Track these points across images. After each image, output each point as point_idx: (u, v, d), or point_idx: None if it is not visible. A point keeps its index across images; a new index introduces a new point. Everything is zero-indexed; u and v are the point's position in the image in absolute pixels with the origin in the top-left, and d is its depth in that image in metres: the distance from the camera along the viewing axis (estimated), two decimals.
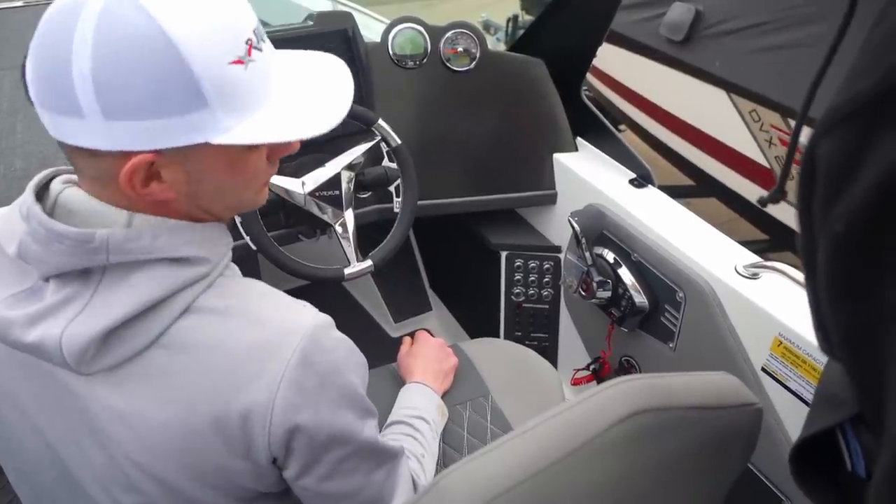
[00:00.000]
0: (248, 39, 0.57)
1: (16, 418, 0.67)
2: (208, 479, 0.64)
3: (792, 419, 1.07)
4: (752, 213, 2.72)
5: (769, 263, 1.15)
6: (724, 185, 2.67)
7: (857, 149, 0.33)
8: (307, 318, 0.63)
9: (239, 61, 0.56)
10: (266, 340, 0.60)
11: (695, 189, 2.93)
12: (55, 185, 0.61)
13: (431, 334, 1.90)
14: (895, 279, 0.31)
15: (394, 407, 1.03)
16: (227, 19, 0.56)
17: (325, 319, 0.64)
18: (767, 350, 1.08)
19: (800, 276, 1.11)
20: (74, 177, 0.63)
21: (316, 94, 0.65)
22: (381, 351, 1.89)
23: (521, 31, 4.15)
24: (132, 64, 0.52)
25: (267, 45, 0.61)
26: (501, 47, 3.79)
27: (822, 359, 1.00)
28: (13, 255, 0.60)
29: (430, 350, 1.19)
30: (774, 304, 1.08)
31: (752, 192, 2.56)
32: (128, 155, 0.56)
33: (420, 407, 1.02)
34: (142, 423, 0.61)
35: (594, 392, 0.55)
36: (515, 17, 4.15)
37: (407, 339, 1.26)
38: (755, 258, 1.19)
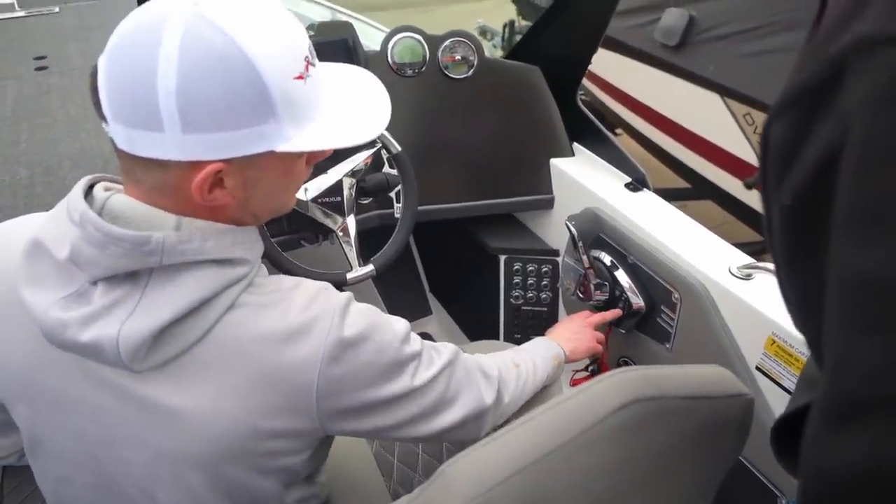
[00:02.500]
0: (306, 57, 0.64)
1: (55, 421, 0.69)
2: (258, 462, 0.68)
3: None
4: (747, 215, 2.75)
5: (762, 264, 1.17)
6: (720, 187, 2.71)
7: (800, 131, 0.37)
8: (336, 300, 0.69)
9: (300, 76, 0.62)
10: (305, 320, 0.65)
11: (690, 192, 2.97)
12: (98, 192, 0.65)
13: (432, 338, 1.93)
14: (833, 245, 0.34)
15: None
16: (290, 39, 0.62)
17: (349, 300, 0.70)
18: (761, 349, 1.11)
19: None
20: (114, 184, 0.67)
21: (359, 104, 0.72)
22: None
23: (519, 37, 4.20)
24: (214, 80, 0.57)
25: (316, 61, 0.67)
26: (499, 53, 3.83)
27: None
28: (63, 259, 0.62)
29: (572, 322, 1.27)
30: (767, 303, 1.10)
31: (747, 194, 2.59)
32: (197, 165, 0.60)
33: (533, 349, 1.08)
34: (194, 415, 0.64)
35: (592, 383, 0.58)
36: (512, 23, 4.19)
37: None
38: (748, 259, 1.21)
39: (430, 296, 2.07)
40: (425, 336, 2.03)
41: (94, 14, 2.96)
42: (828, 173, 0.34)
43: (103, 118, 0.61)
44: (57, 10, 3.06)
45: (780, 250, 0.43)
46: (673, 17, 2.59)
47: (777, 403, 1.10)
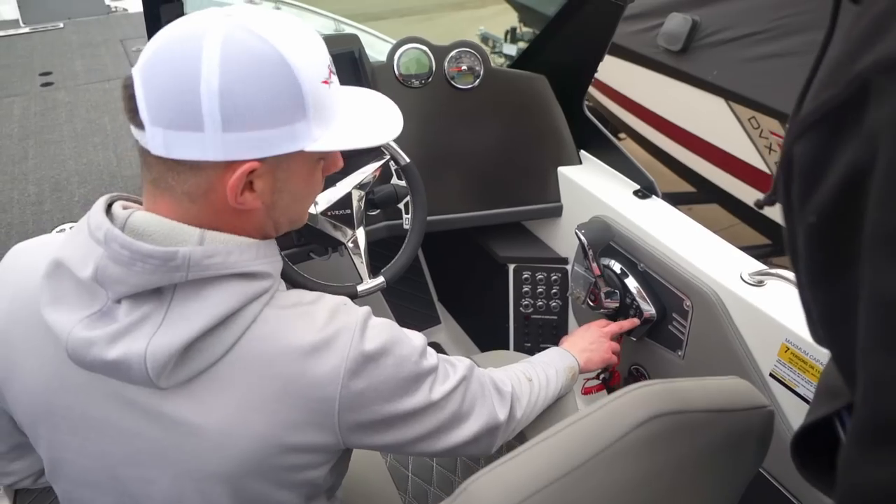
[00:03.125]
0: (328, 65, 0.68)
1: (77, 444, 0.68)
2: (281, 477, 0.68)
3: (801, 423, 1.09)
4: (754, 218, 2.75)
5: (773, 271, 1.17)
6: (726, 191, 2.70)
7: (824, 151, 0.37)
8: (356, 314, 0.70)
9: (326, 81, 0.66)
10: (327, 334, 0.66)
11: (696, 196, 2.96)
12: (118, 210, 0.65)
13: (442, 348, 1.92)
14: (860, 263, 0.34)
15: None
16: (317, 46, 0.66)
17: (368, 314, 0.72)
18: (775, 356, 1.10)
19: None
20: (131, 202, 0.68)
21: (373, 111, 0.76)
22: None
23: (521, 43, 4.20)
24: (256, 80, 0.60)
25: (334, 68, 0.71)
26: (500, 60, 3.82)
27: None
28: (86, 278, 0.63)
29: (588, 332, 1.25)
30: (781, 310, 1.10)
31: (753, 197, 2.57)
32: (231, 166, 0.62)
33: (546, 361, 1.08)
34: (218, 431, 0.64)
35: (613, 397, 0.58)
36: (514, 30, 4.19)
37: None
38: (760, 266, 1.21)
39: (438, 305, 2.06)
40: (435, 346, 2.03)
41: (99, 29, 2.97)
42: (855, 193, 0.34)
43: (139, 125, 0.61)
44: (61, 25, 3.08)
45: (805, 268, 0.43)
46: (676, 23, 2.59)
47: (793, 411, 1.10)
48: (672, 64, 2.67)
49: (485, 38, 4.43)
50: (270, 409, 0.64)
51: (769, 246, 2.72)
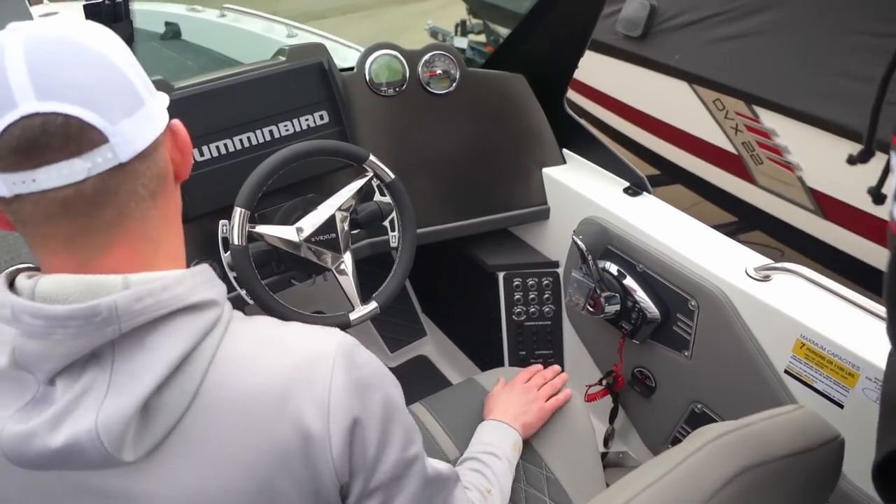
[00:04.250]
0: None
1: None
2: None
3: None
4: (718, 196, 2.76)
5: (780, 265, 1.14)
6: (692, 172, 2.71)
7: None
8: (335, 337, 0.63)
9: None
10: (302, 363, 0.59)
11: (659, 178, 2.96)
12: (22, 282, 0.54)
13: (429, 360, 1.84)
14: None
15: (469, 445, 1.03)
16: None
17: (352, 339, 0.64)
18: (789, 352, 1.08)
19: (815, 276, 1.11)
20: (36, 272, 0.57)
21: None
22: None
23: (472, 35, 4.14)
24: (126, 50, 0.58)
25: None
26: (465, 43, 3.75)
27: (848, 358, 0.99)
28: (5, 367, 0.53)
29: (514, 392, 1.14)
30: (793, 305, 1.07)
31: (720, 178, 2.59)
32: (166, 133, 0.59)
33: (491, 442, 1.01)
34: (200, 499, 0.55)
35: (686, 452, 0.52)
36: (464, 22, 4.12)
37: (501, 380, 1.21)
38: (764, 260, 1.18)
39: (422, 317, 1.99)
40: (422, 359, 1.97)
41: None
42: None
43: (95, 143, 0.52)
44: None
45: None
46: (634, 8, 2.57)
47: (811, 407, 1.07)
48: (633, 50, 2.65)
49: (434, 33, 4.35)
50: (251, 456, 0.56)
51: (735, 223, 2.75)
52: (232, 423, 0.55)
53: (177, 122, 0.62)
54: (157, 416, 0.53)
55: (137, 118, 0.54)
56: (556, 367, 1.22)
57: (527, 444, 1.10)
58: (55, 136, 0.50)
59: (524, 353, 1.62)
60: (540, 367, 1.23)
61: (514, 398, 1.12)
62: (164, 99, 0.61)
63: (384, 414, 0.62)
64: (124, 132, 0.53)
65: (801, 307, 1.07)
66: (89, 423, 0.51)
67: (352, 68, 1.41)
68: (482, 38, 4.08)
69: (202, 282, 0.59)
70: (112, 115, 0.52)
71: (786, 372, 1.09)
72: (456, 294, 1.83)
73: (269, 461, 0.56)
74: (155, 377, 0.52)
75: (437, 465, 0.73)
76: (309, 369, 0.58)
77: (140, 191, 0.55)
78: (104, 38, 0.56)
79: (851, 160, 0.59)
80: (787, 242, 2.53)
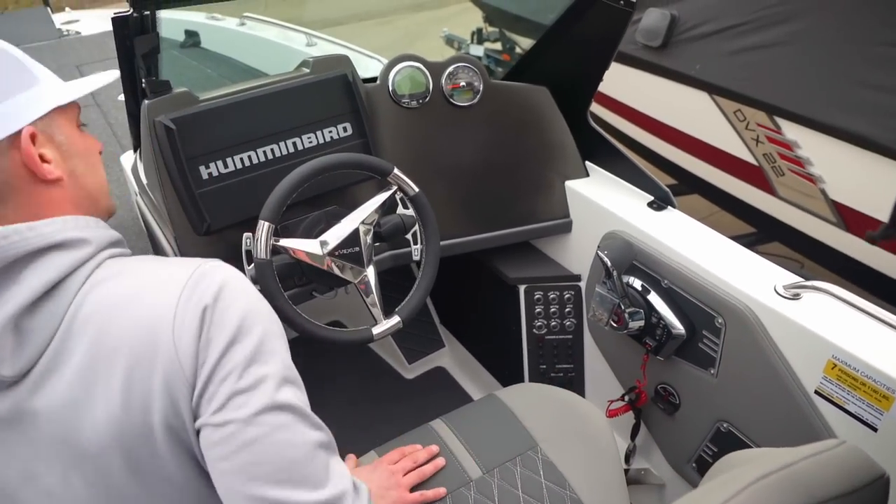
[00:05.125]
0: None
1: None
2: (162, 440, 0.64)
3: (857, 442, 1.04)
4: (737, 207, 2.73)
5: (810, 283, 1.12)
6: (710, 183, 2.68)
7: None
8: (208, 261, 0.69)
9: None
10: (167, 277, 0.66)
11: (676, 187, 2.94)
12: None
13: (447, 372, 1.82)
14: None
15: None
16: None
17: (231, 268, 0.69)
18: (820, 373, 1.05)
19: (846, 294, 1.09)
20: None
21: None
22: (397, 393, 1.82)
23: (487, 43, 4.13)
24: None
25: None
26: (481, 51, 3.74)
27: (883, 381, 0.97)
28: None
29: (375, 472, 1.08)
30: (823, 325, 1.05)
31: (740, 189, 2.57)
32: (13, 141, 0.65)
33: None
34: (89, 403, 0.62)
35: (727, 495, 0.50)
36: (480, 31, 4.12)
37: (373, 454, 1.15)
38: (794, 278, 1.16)
39: (440, 328, 1.98)
40: (440, 371, 1.96)
41: (52, 55, 2.80)
42: None
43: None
44: None
45: None
46: (654, 18, 2.55)
47: (843, 429, 1.05)
48: (652, 60, 2.63)
49: (450, 41, 4.34)
50: (127, 366, 0.62)
51: (754, 234, 2.72)
52: (102, 342, 0.62)
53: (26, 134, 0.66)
54: (31, 335, 0.61)
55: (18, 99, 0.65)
56: (434, 449, 1.12)
57: (548, 462, 1.09)
58: None
59: (544, 366, 1.61)
60: (417, 447, 1.13)
61: (374, 478, 1.05)
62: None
63: (239, 324, 0.65)
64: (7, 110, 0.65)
65: (833, 327, 1.04)
66: None
67: (374, 79, 1.40)
68: (498, 45, 4.07)
69: (75, 226, 0.66)
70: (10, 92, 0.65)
71: (816, 392, 1.07)
72: (476, 306, 1.82)
73: (131, 366, 0.62)
74: (20, 300, 0.60)
75: (296, 401, 0.68)
76: (169, 283, 0.65)
77: None
78: None
79: (872, 238, 0.56)
80: (806, 254, 2.49)
